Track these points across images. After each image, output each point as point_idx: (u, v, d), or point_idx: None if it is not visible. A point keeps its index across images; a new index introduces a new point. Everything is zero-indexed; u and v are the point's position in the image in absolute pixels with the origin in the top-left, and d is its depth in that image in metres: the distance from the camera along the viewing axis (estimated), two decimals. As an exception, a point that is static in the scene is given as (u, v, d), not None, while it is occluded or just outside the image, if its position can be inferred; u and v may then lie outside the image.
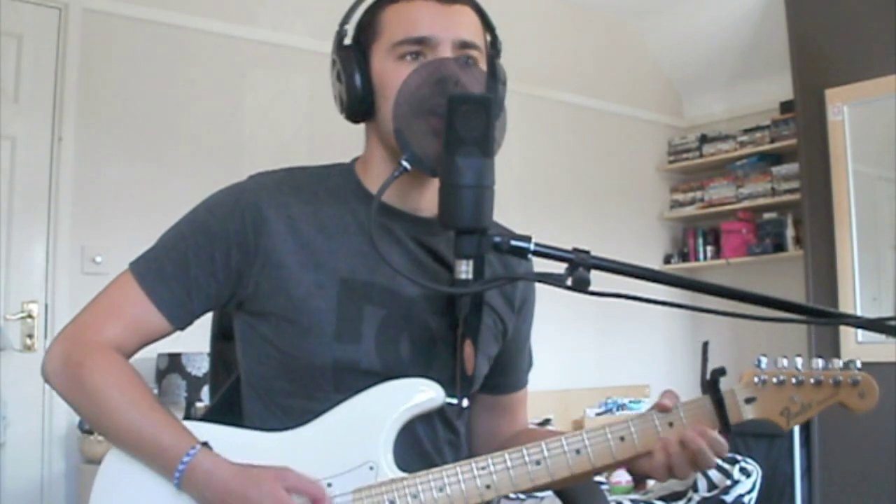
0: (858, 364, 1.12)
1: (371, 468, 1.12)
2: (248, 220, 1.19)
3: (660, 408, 1.13)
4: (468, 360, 1.18)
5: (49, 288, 3.18)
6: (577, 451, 1.12)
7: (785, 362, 1.13)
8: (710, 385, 1.12)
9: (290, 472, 1.10)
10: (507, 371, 1.38)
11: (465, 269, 1.10)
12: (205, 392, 3.06)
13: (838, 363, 1.12)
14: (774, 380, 1.12)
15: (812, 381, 1.12)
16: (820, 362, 1.13)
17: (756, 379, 1.12)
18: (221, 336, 1.42)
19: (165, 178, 3.39)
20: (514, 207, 4.23)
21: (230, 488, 1.08)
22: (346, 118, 1.26)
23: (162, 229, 1.26)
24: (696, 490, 3.12)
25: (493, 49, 1.27)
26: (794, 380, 1.12)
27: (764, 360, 1.13)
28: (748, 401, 1.12)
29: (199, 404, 3.09)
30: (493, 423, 1.40)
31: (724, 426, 1.12)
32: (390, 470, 1.12)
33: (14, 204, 3.15)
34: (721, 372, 1.12)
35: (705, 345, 1.16)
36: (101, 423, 1.17)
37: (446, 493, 1.10)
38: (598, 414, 4.27)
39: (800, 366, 1.13)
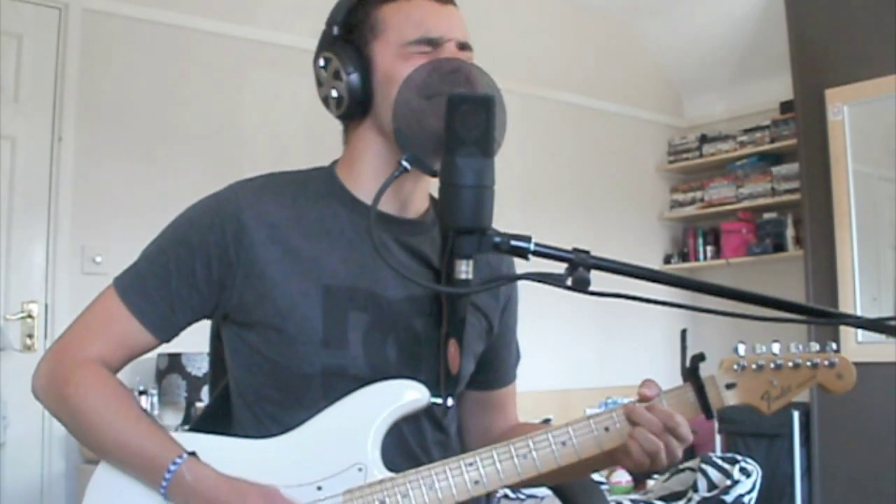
0: (834, 346, 1.16)
1: (360, 469, 1.12)
2: (228, 231, 1.18)
3: (640, 398, 1.14)
4: (452, 359, 1.18)
5: (49, 288, 3.18)
6: (563, 444, 1.12)
7: (763, 348, 1.16)
8: (690, 372, 1.14)
9: (277, 492, 1.10)
10: (496, 367, 1.39)
11: (464, 270, 1.09)
12: (205, 392, 3.06)
13: (815, 346, 1.16)
14: (754, 365, 1.15)
15: (790, 364, 1.15)
16: (798, 346, 1.16)
17: (735, 365, 1.15)
18: (220, 336, 1.42)
19: (165, 178, 3.39)
20: (514, 207, 4.23)
21: (215, 496, 1.08)
22: (342, 115, 1.25)
23: (161, 229, 1.26)
24: (696, 490, 3.12)
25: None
26: (772, 364, 1.15)
27: (742, 346, 1.16)
28: (729, 386, 1.15)
29: (199, 404, 3.09)
30: (484, 419, 1.40)
31: (707, 412, 1.14)
32: (378, 471, 1.13)
33: (14, 204, 3.15)
34: (700, 358, 1.13)
35: (683, 332, 1.18)
36: (89, 437, 1.18)
37: (436, 491, 1.10)
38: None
39: (777, 351, 1.15)
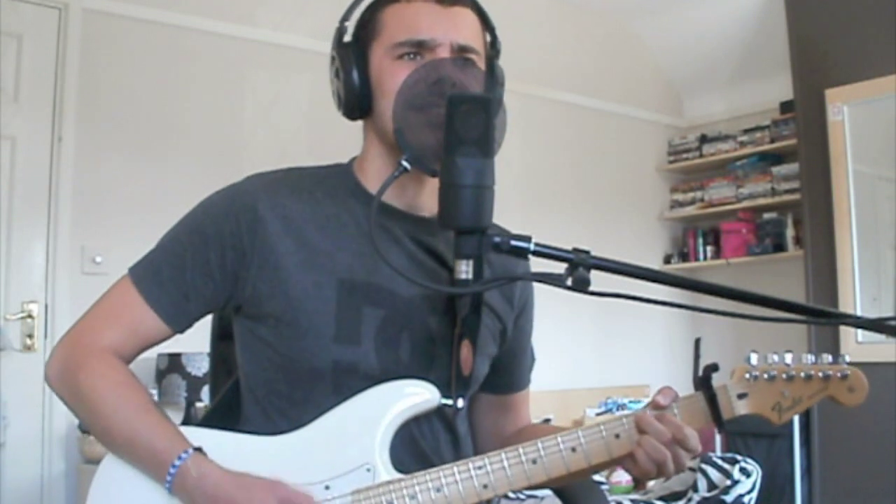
0: (847, 359, 1.15)
1: (368, 470, 1.12)
2: (243, 222, 1.18)
3: (654, 405, 1.13)
4: (465, 361, 1.18)
5: (49, 288, 3.18)
6: (573, 450, 1.12)
7: (775, 358, 1.15)
8: (703, 381, 1.14)
9: (283, 484, 1.09)
10: (511, 370, 1.39)
11: (465, 270, 1.09)
12: (205, 392, 3.06)
13: (828, 358, 1.15)
14: (766, 375, 1.14)
15: (802, 375, 1.14)
16: (810, 357, 1.15)
17: (748, 375, 1.15)
18: (221, 336, 1.42)
19: (165, 178, 3.39)
20: (514, 207, 4.23)
21: (220, 493, 1.08)
22: (344, 115, 1.26)
23: (162, 229, 1.26)
24: (696, 490, 3.12)
25: (493, 49, 1.28)
26: (784, 375, 1.14)
27: (754, 356, 1.15)
28: (740, 396, 1.14)
29: (199, 404, 3.09)
30: (496, 421, 1.40)
31: (718, 421, 1.13)
32: (387, 471, 1.12)
33: (14, 204, 3.15)
34: (713, 368, 1.13)
35: (697, 341, 1.18)
36: (97, 426, 1.18)
37: (444, 494, 1.10)
38: (598, 414, 4.27)
39: (789, 361, 1.15)
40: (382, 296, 1.20)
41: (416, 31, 1.19)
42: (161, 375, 3.12)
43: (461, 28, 1.21)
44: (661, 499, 3.20)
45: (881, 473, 3.76)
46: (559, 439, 1.12)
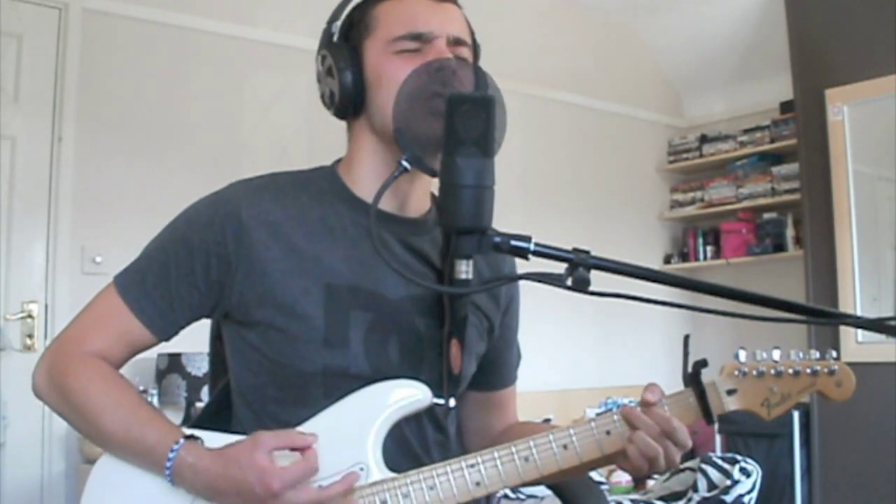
0: (834, 354, 1.17)
1: (361, 469, 1.12)
2: (227, 230, 1.19)
3: (643, 402, 1.14)
4: (455, 360, 1.19)
5: (49, 288, 3.18)
6: (565, 447, 1.12)
7: (763, 355, 1.16)
8: (692, 378, 1.15)
9: (262, 434, 1.09)
10: (497, 368, 1.39)
11: (465, 270, 1.10)
12: (205, 392, 3.06)
13: (815, 354, 1.17)
14: (755, 371, 1.16)
15: (790, 371, 1.16)
16: (798, 353, 1.17)
17: (737, 371, 1.16)
18: (221, 336, 1.42)
19: (165, 178, 3.39)
20: (514, 207, 4.23)
21: (215, 475, 1.08)
22: (336, 114, 1.27)
23: (161, 229, 1.26)
24: (696, 490, 3.12)
25: (474, 51, 1.30)
26: (773, 371, 1.16)
27: (742, 353, 1.16)
28: (730, 392, 1.15)
29: (199, 404, 3.09)
30: (484, 419, 1.41)
31: (707, 418, 1.14)
32: (380, 471, 1.13)
33: (14, 204, 3.15)
34: (702, 364, 1.14)
35: (686, 338, 1.18)
36: (90, 428, 1.18)
37: (437, 492, 1.10)
38: (597, 414, 4.26)
39: (777, 358, 1.16)
40: (370, 299, 1.20)
41: (414, 24, 1.20)
42: (161, 375, 3.12)
43: (454, 21, 1.24)
44: (661, 499, 3.20)
45: (881, 473, 3.76)
46: (551, 437, 1.13)
